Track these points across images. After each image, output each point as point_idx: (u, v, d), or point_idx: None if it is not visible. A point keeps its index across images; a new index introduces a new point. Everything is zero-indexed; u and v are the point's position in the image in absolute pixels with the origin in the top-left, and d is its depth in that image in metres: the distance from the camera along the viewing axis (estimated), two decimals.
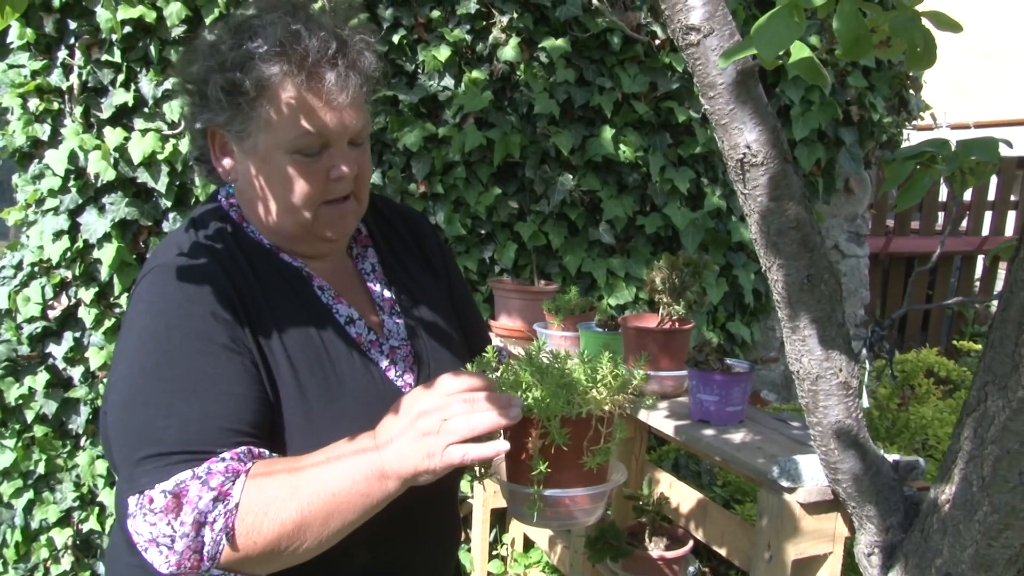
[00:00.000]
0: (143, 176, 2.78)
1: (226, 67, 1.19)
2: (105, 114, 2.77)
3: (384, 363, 1.29)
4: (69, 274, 2.82)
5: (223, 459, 1.06)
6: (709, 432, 1.69)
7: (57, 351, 2.85)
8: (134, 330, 1.16)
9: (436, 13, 2.92)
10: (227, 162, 1.28)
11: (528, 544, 3.08)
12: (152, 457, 1.06)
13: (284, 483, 1.05)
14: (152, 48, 2.75)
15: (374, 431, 1.08)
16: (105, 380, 2.83)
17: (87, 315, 2.82)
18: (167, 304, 1.15)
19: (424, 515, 1.29)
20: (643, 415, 1.87)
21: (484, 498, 2.87)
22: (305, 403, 1.17)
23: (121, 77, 2.77)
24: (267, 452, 1.11)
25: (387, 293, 1.39)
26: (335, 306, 1.29)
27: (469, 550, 2.98)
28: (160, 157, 2.76)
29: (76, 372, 2.86)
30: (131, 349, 1.14)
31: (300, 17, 1.21)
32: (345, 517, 1.05)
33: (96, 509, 2.90)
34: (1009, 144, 1.27)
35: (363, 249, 1.43)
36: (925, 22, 0.85)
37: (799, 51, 0.85)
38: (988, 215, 5.77)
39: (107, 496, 2.87)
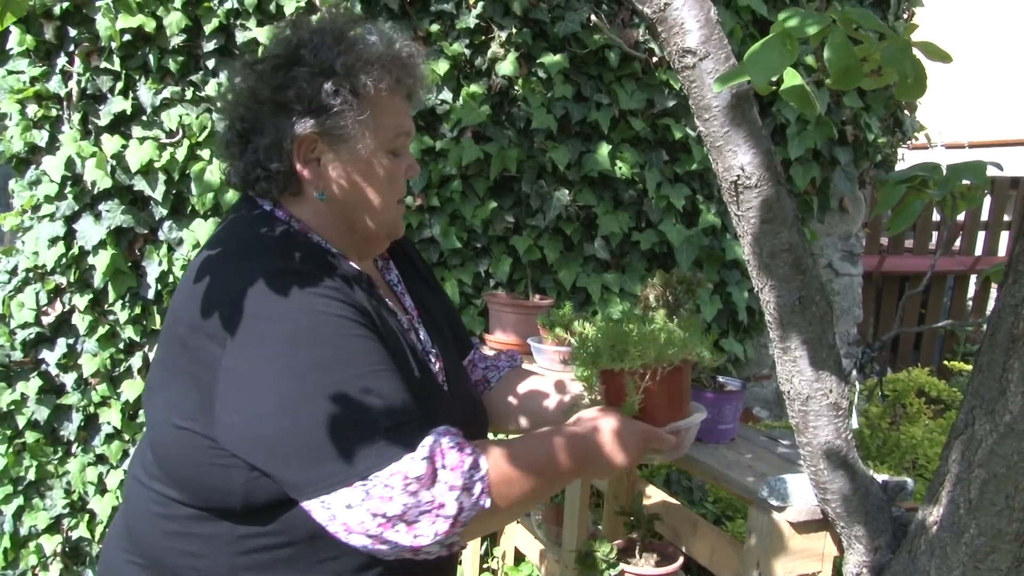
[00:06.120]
0: (140, 184, 2.79)
1: (336, 72, 1.23)
2: (103, 121, 2.78)
3: (436, 368, 1.36)
4: (64, 280, 2.82)
5: (452, 432, 1.13)
6: (701, 450, 1.70)
7: (50, 357, 2.85)
8: (268, 339, 1.10)
9: (435, 27, 2.94)
10: (313, 170, 1.27)
11: (519, 557, 3.08)
12: (378, 434, 1.07)
13: (523, 455, 1.17)
14: (151, 57, 2.76)
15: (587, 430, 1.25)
16: (98, 387, 2.83)
17: (81, 322, 2.82)
18: (301, 303, 1.12)
19: None
20: None
21: None
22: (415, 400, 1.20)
23: (120, 85, 2.77)
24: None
25: (412, 304, 1.44)
26: (397, 312, 1.32)
27: (460, 563, 2.98)
28: (157, 165, 2.77)
29: (69, 379, 2.85)
30: (281, 355, 1.09)
31: (384, 28, 1.32)
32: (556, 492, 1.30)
33: (86, 516, 2.90)
34: (999, 167, 1.28)
35: (385, 262, 1.47)
36: (916, 52, 0.87)
37: (791, 78, 0.86)
38: (981, 235, 5.79)
39: (97, 504, 2.86)
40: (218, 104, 1.36)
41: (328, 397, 1.07)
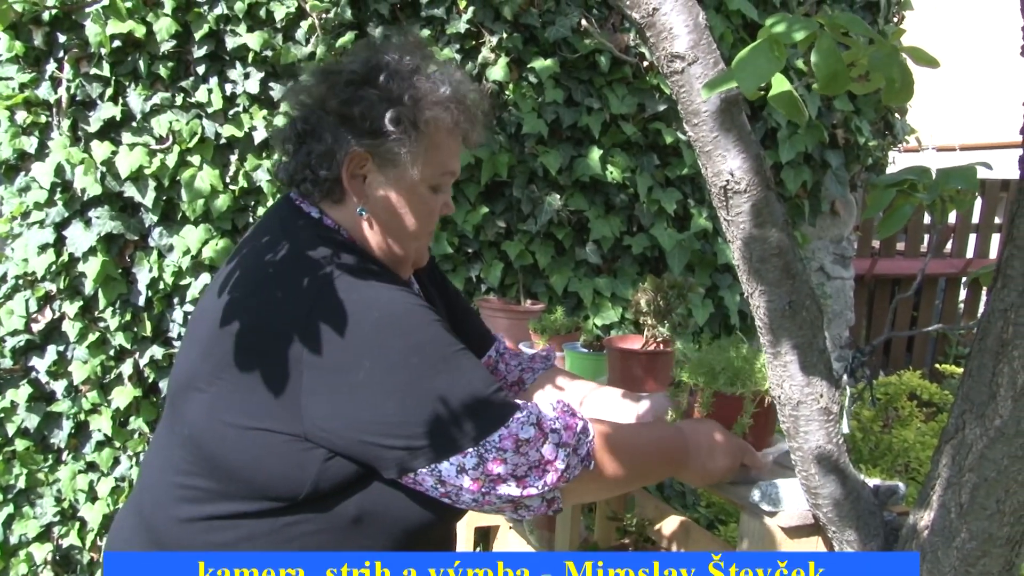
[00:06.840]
0: (130, 190, 2.78)
1: (403, 102, 1.29)
2: (93, 128, 2.77)
3: None
4: (53, 287, 2.80)
5: (562, 400, 1.26)
6: None
7: (40, 364, 2.83)
8: (358, 330, 1.15)
9: (426, 32, 2.94)
10: (357, 185, 1.32)
11: None
12: (481, 403, 1.15)
13: (627, 434, 1.30)
14: (141, 63, 2.75)
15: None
16: (89, 395, 2.82)
17: (71, 329, 2.80)
18: (380, 296, 1.19)
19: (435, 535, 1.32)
20: None
21: (467, 516, 2.86)
22: None
23: (109, 91, 2.76)
24: None
25: None
26: None
27: None
28: (147, 172, 2.76)
29: (59, 386, 2.84)
30: (375, 343, 1.15)
31: (457, 72, 1.40)
32: (652, 480, 1.44)
33: (77, 524, 2.88)
34: (988, 167, 1.28)
35: (408, 279, 1.49)
36: (903, 57, 0.87)
37: (779, 84, 0.86)
38: (972, 237, 5.81)
39: (88, 511, 2.85)
40: (289, 100, 1.41)
41: (429, 376, 1.15)
